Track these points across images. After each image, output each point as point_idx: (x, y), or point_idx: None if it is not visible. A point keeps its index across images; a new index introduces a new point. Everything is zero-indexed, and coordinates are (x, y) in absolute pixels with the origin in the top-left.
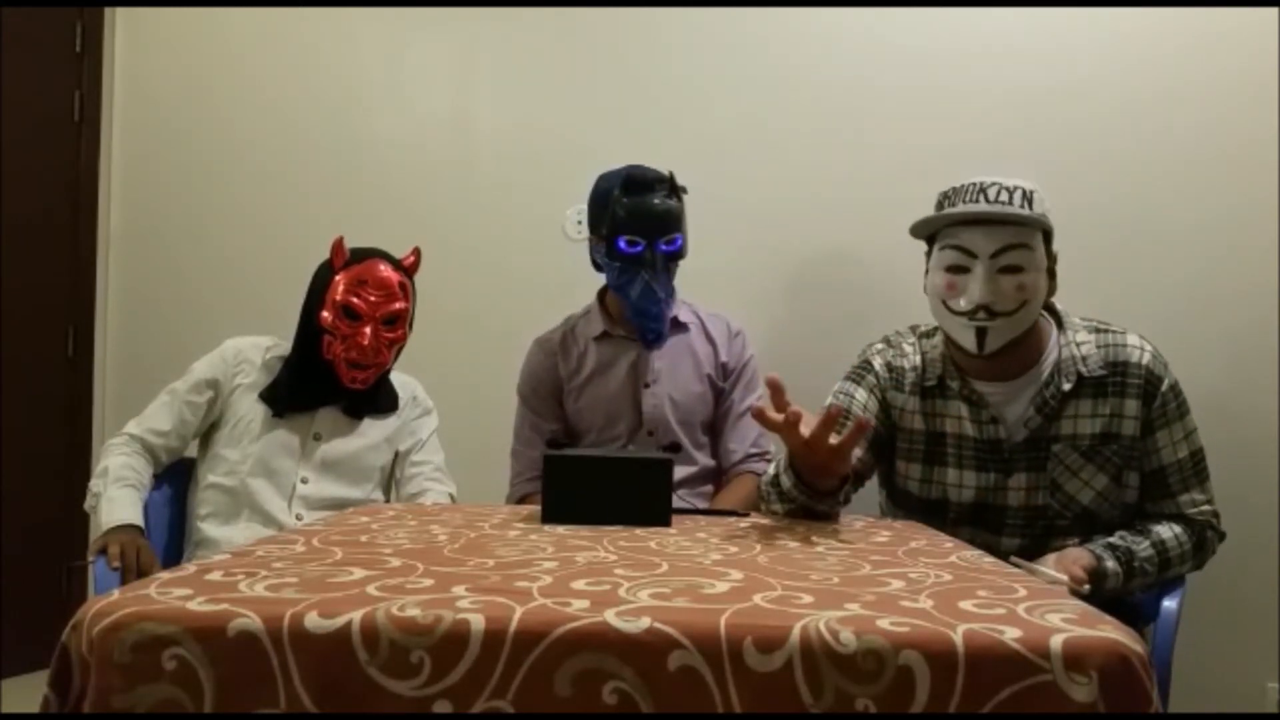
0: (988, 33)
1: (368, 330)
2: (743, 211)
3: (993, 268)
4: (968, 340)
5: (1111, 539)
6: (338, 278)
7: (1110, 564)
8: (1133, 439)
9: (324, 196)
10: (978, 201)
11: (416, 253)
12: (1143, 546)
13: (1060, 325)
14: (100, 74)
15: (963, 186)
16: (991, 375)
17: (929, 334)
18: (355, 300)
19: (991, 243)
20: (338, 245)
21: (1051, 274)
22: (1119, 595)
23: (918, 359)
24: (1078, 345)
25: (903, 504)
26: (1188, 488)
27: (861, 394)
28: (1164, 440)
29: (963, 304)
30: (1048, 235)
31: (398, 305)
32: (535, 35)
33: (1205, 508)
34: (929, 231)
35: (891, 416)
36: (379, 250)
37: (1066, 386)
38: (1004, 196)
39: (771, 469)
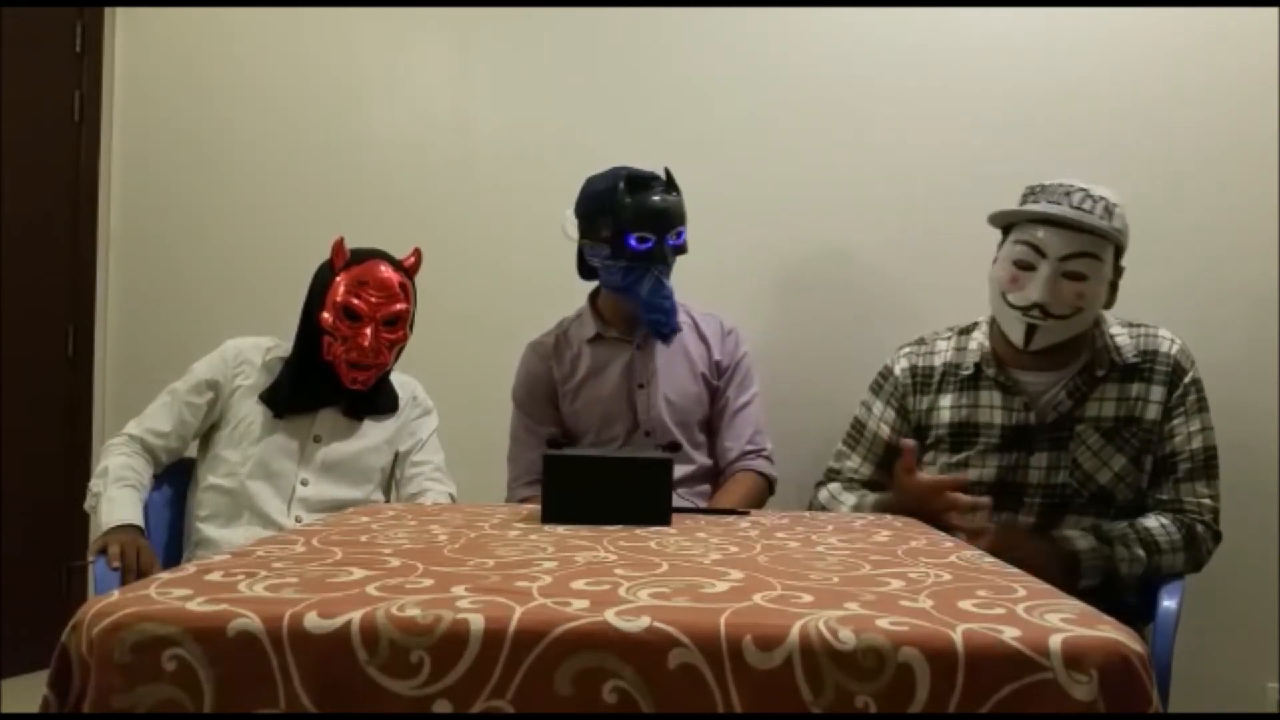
0: (988, 33)
1: (368, 331)
2: (742, 211)
3: (1058, 271)
4: (1016, 334)
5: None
6: (338, 278)
7: (1073, 533)
8: (1153, 423)
9: (324, 196)
10: (1060, 204)
11: (417, 253)
12: (1119, 526)
13: (1098, 323)
14: (100, 74)
15: (1050, 185)
16: (1030, 366)
17: (967, 330)
18: (356, 301)
19: (1062, 246)
20: (338, 246)
21: (1113, 286)
22: (1114, 579)
23: (951, 354)
24: (1113, 337)
25: None
26: (1193, 478)
27: (879, 406)
28: (1180, 428)
29: (1021, 299)
30: (1119, 249)
31: (398, 306)
32: (535, 35)
33: (1205, 501)
34: (1006, 223)
35: (910, 421)
36: (380, 251)
37: (1100, 374)
38: (1086, 204)
39: (854, 501)
